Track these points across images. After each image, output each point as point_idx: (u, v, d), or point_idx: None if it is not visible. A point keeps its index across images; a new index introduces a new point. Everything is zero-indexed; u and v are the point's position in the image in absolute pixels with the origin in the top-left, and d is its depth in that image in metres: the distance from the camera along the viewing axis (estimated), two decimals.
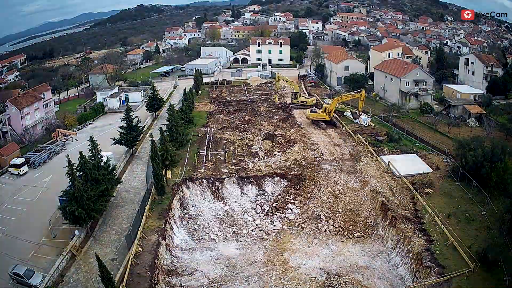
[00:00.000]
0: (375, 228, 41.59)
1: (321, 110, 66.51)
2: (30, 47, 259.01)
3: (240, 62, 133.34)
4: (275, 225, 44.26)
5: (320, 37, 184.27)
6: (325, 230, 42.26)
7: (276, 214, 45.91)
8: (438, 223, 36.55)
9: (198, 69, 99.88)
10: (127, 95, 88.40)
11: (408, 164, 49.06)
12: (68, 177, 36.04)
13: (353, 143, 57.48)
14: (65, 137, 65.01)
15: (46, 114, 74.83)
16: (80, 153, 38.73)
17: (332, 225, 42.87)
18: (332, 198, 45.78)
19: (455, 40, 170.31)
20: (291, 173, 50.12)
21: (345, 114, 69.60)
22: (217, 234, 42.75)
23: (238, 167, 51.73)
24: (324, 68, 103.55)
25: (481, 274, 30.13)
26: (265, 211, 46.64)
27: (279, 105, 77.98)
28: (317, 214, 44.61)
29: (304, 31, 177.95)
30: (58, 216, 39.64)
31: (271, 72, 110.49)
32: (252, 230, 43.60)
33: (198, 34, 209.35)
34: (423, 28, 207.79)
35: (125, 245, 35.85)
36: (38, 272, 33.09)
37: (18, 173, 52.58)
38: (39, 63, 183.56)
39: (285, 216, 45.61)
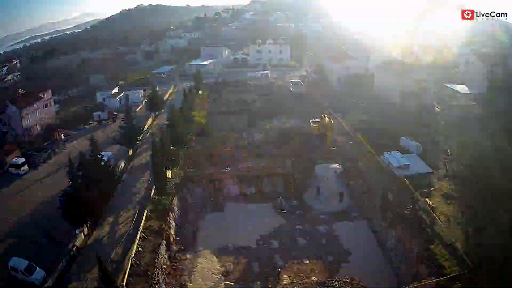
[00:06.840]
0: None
1: None
2: (30, 47, 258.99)
3: (240, 62, 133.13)
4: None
5: (320, 37, 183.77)
6: None
7: None
8: (438, 223, 36.52)
9: (198, 69, 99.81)
10: (127, 95, 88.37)
11: (408, 164, 49.00)
12: (68, 177, 36.07)
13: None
14: (65, 137, 65.03)
15: (46, 114, 74.83)
16: (80, 152, 38.73)
17: None
18: None
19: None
20: None
21: None
22: (217, 233, 42.70)
23: (238, 167, 51.81)
24: (324, 68, 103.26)
25: (481, 274, 30.10)
26: None
27: None
28: None
29: (304, 31, 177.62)
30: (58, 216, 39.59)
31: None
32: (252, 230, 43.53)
33: (198, 34, 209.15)
34: None
35: (125, 245, 35.83)
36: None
37: (18, 173, 52.57)
38: (39, 63, 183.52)
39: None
